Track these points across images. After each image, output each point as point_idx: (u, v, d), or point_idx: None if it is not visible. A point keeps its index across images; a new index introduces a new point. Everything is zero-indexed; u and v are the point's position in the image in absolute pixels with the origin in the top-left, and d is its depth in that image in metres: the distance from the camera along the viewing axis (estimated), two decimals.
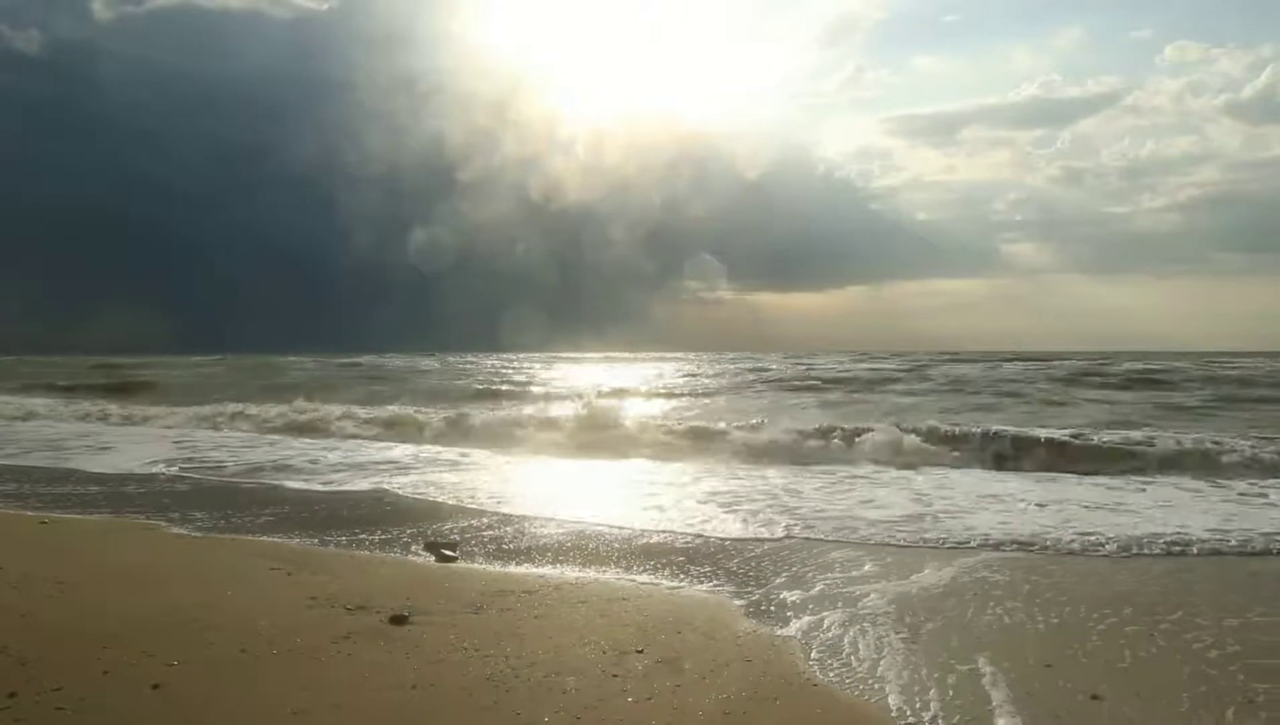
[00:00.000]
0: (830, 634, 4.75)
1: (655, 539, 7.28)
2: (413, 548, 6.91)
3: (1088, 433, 13.29)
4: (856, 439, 13.01)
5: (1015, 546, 6.94)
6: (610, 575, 6.07)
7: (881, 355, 66.22)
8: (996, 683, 4.02)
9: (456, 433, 15.92)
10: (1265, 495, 9.36)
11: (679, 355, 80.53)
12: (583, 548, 6.92)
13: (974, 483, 10.27)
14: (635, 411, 20.54)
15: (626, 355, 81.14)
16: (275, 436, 16.20)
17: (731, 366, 47.90)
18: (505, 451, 13.85)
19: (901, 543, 7.12)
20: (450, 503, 9.05)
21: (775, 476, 10.80)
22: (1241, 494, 9.42)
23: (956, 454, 12.25)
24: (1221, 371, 32.63)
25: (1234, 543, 6.99)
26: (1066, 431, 13.36)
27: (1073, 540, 7.06)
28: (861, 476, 10.75)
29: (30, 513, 8.46)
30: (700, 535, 7.41)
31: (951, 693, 3.91)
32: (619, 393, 29.20)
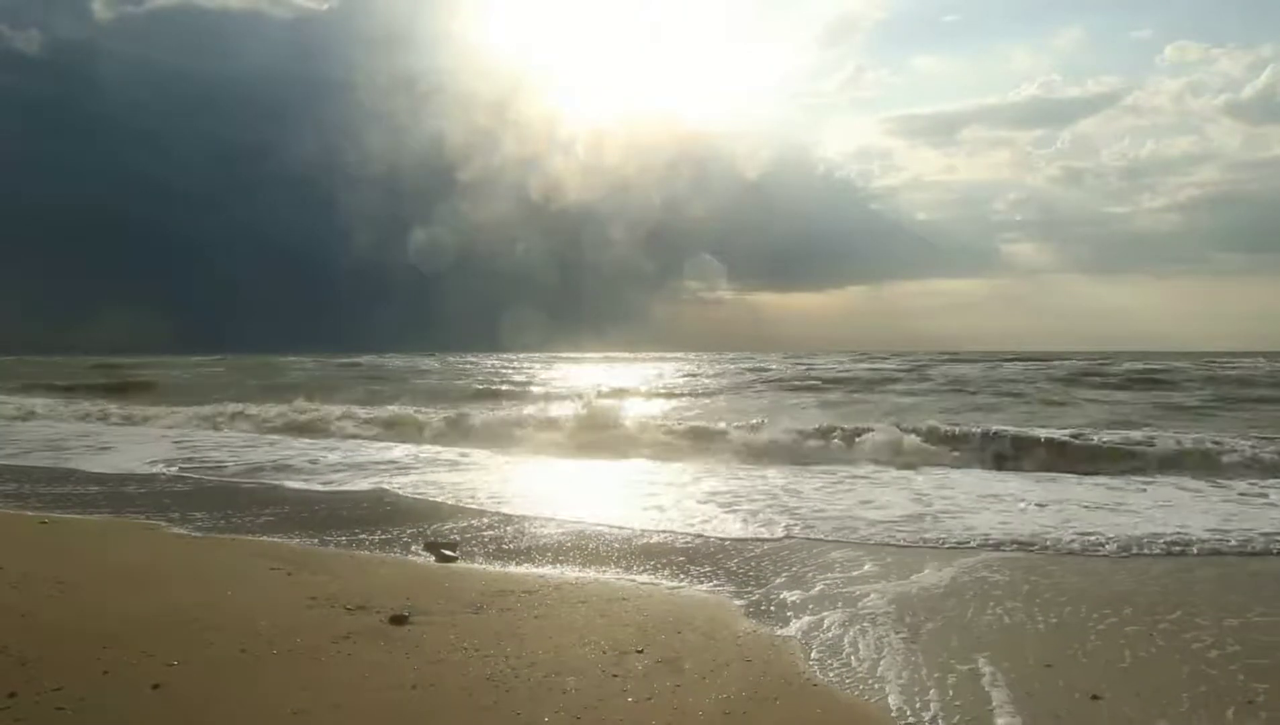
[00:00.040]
0: (830, 634, 4.75)
1: (655, 539, 7.28)
2: (413, 548, 6.91)
3: (1088, 433, 13.29)
4: (857, 439, 13.02)
5: (1015, 546, 6.94)
6: (610, 575, 6.07)
7: (881, 355, 66.22)
8: (996, 683, 4.02)
9: (456, 433, 15.92)
10: (1265, 495, 9.36)
11: (679, 355, 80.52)
12: (583, 548, 6.92)
13: (974, 483, 10.27)
14: (635, 411, 20.54)
15: (626, 355, 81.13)
16: (275, 436, 16.20)
17: (731, 366, 47.91)
18: (505, 451, 13.85)
19: (902, 543, 7.12)
20: (450, 503, 9.05)
21: (775, 477, 10.80)
22: (1242, 494, 9.42)
23: (957, 454, 12.25)
24: (1221, 371, 32.65)
25: (1234, 543, 6.99)
26: (1067, 432, 13.36)
27: (1073, 540, 7.06)
28: (861, 477, 10.75)
29: (30, 513, 8.45)
30: (700, 535, 7.41)
31: (951, 693, 3.91)
32: (619, 393, 29.20)
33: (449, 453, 13.70)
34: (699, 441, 13.69)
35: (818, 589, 5.68)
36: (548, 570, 6.23)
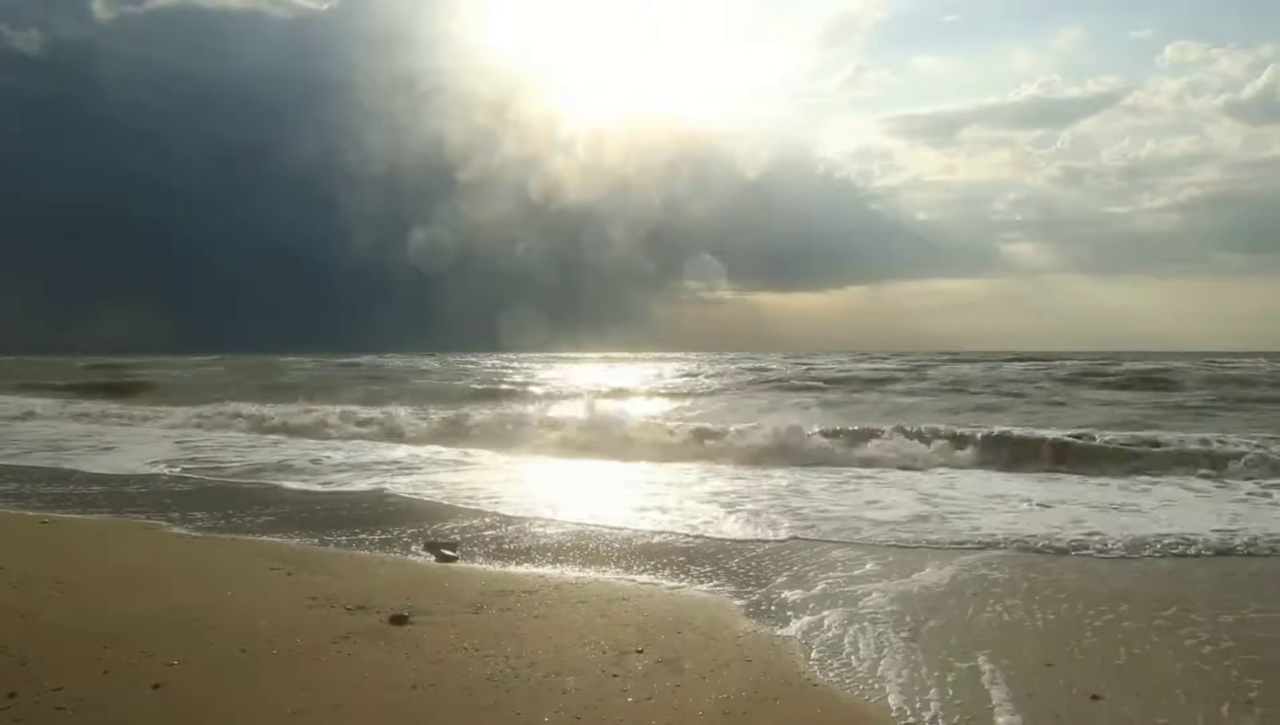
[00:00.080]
0: (830, 633, 4.74)
1: (655, 539, 7.28)
2: (413, 548, 6.91)
3: (1091, 433, 13.29)
4: (858, 440, 13.02)
5: (1018, 547, 6.93)
6: (610, 575, 6.07)
7: (881, 355, 66.22)
8: (996, 681, 4.02)
9: (457, 433, 15.92)
10: (1269, 495, 9.36)
11: (679, 355, 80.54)
12: (583, 548, 6.92)
13: (978, 483, 10.26)
14: (636, 411, 20.55)
15: (626, 355, 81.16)
16: (275, 437, 16.20)
17: (731, 366, 47.91)
18: (506, 451, 13.85)
19: (905, 543, 7.12)
20: (450, 503, 9.05)
21: (777, 477, 10.80)
22: (1249, 494, 9.41)
23: (960, 455, 12.24)
24: (1222, 371, 32.63)
25: (1239, 543, 6.97)
26: (1070, 432, 13.35)
27: (1076, 540, 7.05)
28: (865, 477, 10.75)
29: (30, 513, 8.46)
30: (701, 535, 7.41)
31: (951, 692, 3.91)
32: (619, 393, 29.21)
33: (449, 453, 13.69)
34: (700, 442, 13.69)
35: (818, 589, 5.68)
36: (548, 570, 6.22)
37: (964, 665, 4.24)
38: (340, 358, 63.44)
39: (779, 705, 3.76)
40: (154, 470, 11.52)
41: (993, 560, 6.46)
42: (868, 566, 6.29)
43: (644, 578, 5.99)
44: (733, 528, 7.72)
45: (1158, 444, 12.26)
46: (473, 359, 67.33)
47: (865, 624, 4.90)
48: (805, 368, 43.18)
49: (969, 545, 6.97)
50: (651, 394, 29.13)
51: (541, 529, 7.65)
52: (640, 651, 4.35)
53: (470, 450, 14.04)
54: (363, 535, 7.40)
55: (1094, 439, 12.74)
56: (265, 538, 7.30)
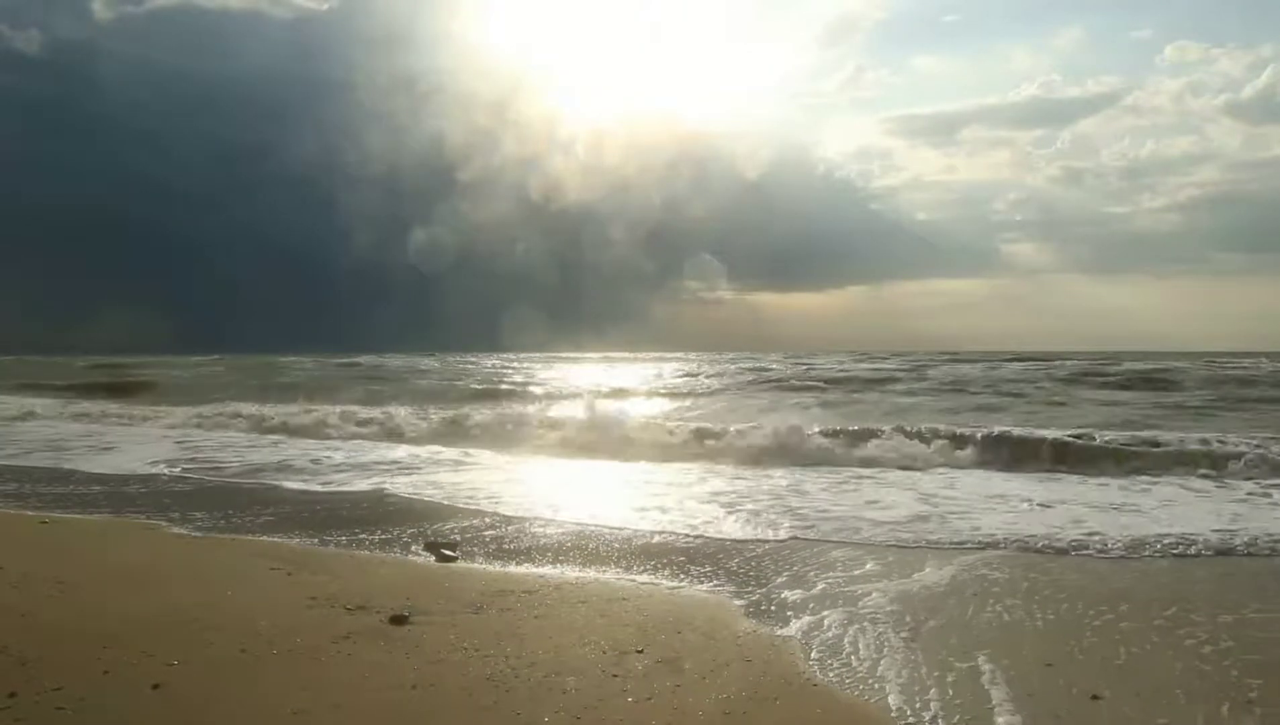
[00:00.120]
0: (830, 633, 4.74)
1: (655, 539, 7.28)
2: (413, 548, 6.91)
3: (1092, 433, 13.28)
4: (859, 440, 13.02)
5: (1018, 547, 6.93)
6: (610, 575, 6.07)
7: (882, 355, 66.23)
8: (996, 681, 4.02)
9: (457, 433, 15.92)
10: (1270, 495, 9.36)
11: (679, 355, 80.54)
12: (583, 548, 6.92)
13: (978, 483, 10.25)
14: (636, 412, 20.55)
15: (626, 355, 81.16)
16: (275, 437, 16.20)
17: (731, 366, 47.90)
18: (506, 451, 13.85)
19: (905, 543, 7.12)
20: (450, 503, 9.05)
21: (777, 477, 10.80)
22: (1249, 494, 9.41)
23: (960, 455, 12.23)
24: (1223, 371, 32.63)
25: (1239, 544, 6.97)
26: (1070, 432, 13.35)
27: (1076, 540, 7.04)
28: (865, 477, 10.75)
29: (30, 513, 8.46)
30: (701, 535, 7.41)
31: (951, 692, 3.91)
32: (619, 393, 29.21)
33: (449, 453, 13.69)
34: (700, 442, 13.69)
35: (818, 589, 5.68)
36: (548, 570, 6.22)
37: (964, 665, 4.24)
38: (340, 358, 63.43)
39: (779, 705, 3.76)
40: (154, 470, 11.52)
41: (993, 560, 6.46)
42: (868, 566, 6.29)
43: (644, 578, 5.99)
44: (733, 528, 7.72)
45: (1158, 444, 12.26)
46: (473, 359, 67.33)
47: (865, 624, 4.90)
48: (805, 368, 43.17)
49: (969, 545, 6.97)
50: (651, 394, 29.13)
51: (541, 529, 7.65)
52: (640, 651, 4.35)
53: (470, 450, 14.03)
54: (363, 535, 7.40)
55: (1094, 439, 12.73)
56: (265, 538, 7.30)
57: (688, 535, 7.40)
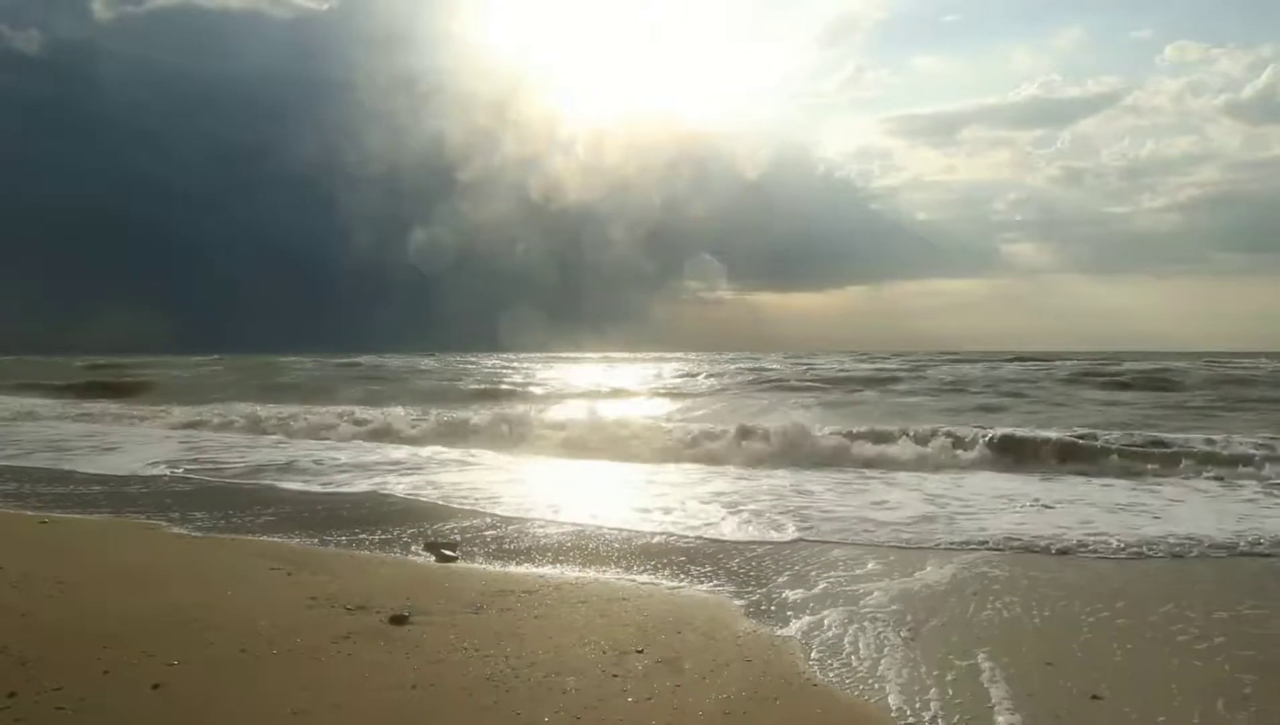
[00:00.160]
0: (831, 633, 4.74)
1: (656, 539, 7.27)
2: (413, 548, 6.91)
3: (1096, 433, 13.28)
4: (861, 440, 12.99)
5: (1025, 547, 6.92)
6: (610, 575, 6.07)
7: (882, 355, 66.24)
8: (996, 680, 4.02)
9: (457, 433, 15.91)
10: (1274, 495, 9.35)
11: (679, 355, 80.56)
12: (583, 548, 6.91)
13: (984, 484, 10.23)
14: (636, 412, 20.54)
15: (626, 355, 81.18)
16: (275, 437, 16.20)
17: (732, 366, 47.91)
18: (506, 452, 13.85)
19: (910, 544, 7.11)
20: (450, 503, 9.04)
21: (779, 477, 10.80)
22: (1255, 494, 9.40)
23: (965, 455, 12.19)
24: (1224, 371, 32.62)
25: (1245, 544, 6.95)
26: (1074, 432, 13.35)
27: (1083, 541, 7.02)
28: (869, 477, 10.75)
29: (30, 513, 8.46)
30: (701, 536, 7.40)
31: (951, 691, 3.90)
32: (619, 393, 29.23)
33: (450, 453, 13.69)
34: (701, 442, 13.68)
35: (819, 588, 5.67)
36: (548, 570, 6.22)
37: (964, 664, 4.24)
38: (340, 358, 63.43)
39: (779, 705, 3.76)
40: (154, 471, 11.52)
41: (997, 560, 6.46)
42: (869, 566, 6.29)
43: (644, 578, 5.99)
44: (733, 528, 7.72)
45: (1163, 445, 12.26)
46: (472, 359, 67.34)
47: (865, 623, 4.90)
48: (805, 368, 43.18)
49: (976, 546, 6.96)
50: (652, 394, 29.12)
51: (541, 529, 7.65)
52: (640, 651, 4.35)
53: (470, 451, 14.03)
54: (363, 535, 7.40)
55: (1098, 440, 12.73)
56: (265, 538, 7.30)
57: (688, 535, 7.40)
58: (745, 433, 13.57)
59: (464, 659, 4.21)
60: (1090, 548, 6.82)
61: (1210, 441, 12.26)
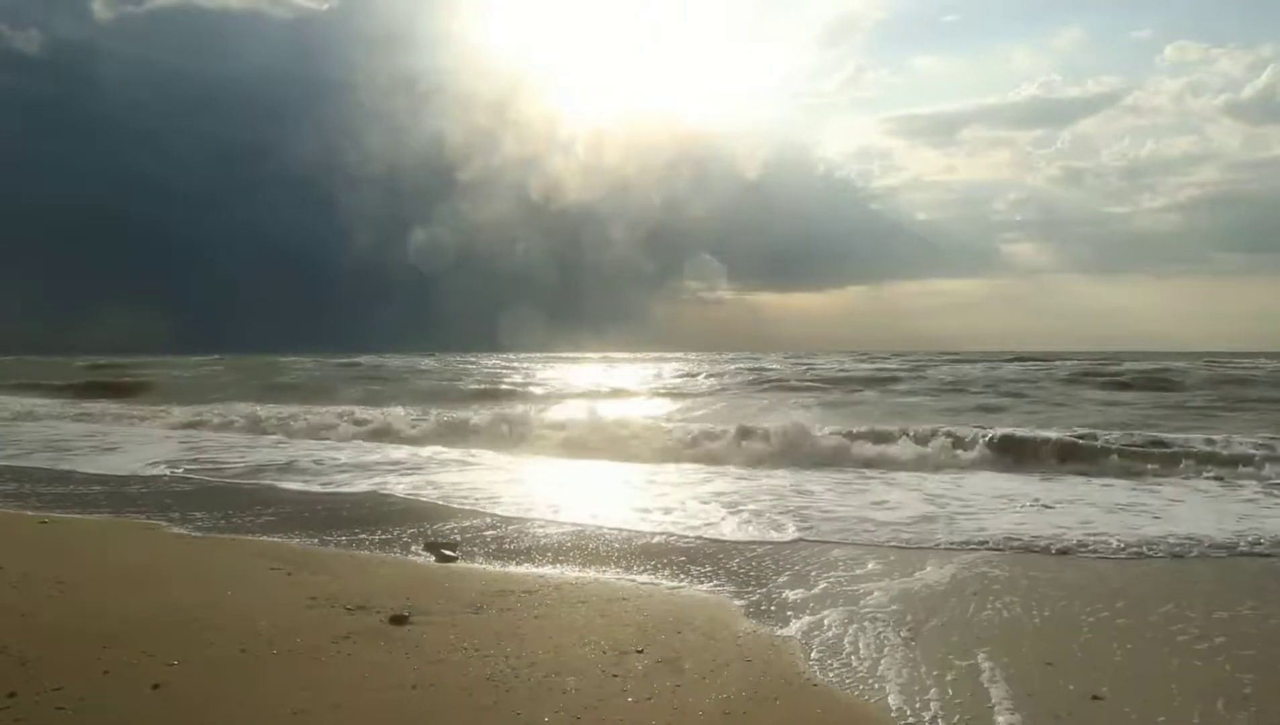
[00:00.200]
0: (831, 633, 4.74)
1: (656, 539, 7.27)
2: (413, 548, 6.91)
3: (1097, 433, 13.27)
4: (861, 440, 12.99)
5: (1025, 547, 6.91)
6: (610, 575, 6.07)
7: (882, 355, 66.25)
8: (996, 680, 4.02)
9: (457, 433, 15.91)
10: (1274, 495, 9.34)
11: (679, 355, 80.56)
12: (583, 548, 6.91)
13: (984, 484, 10.23)
14: (636, 412, 20.54)
15: (626, 355, 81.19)
16: (276, 437, 16.20)
17: (731, 366, 47.90)
18: (505, 452, 13.85)
19: (910, 544, 7.11)
20: (450, 503, 9.04)
21: (779, 477, 10.80)
22: (1255, 495, 9.39)
23: (965, 455, 12.18)
24: (1224, 372, 32.62)
25: (1245, 544, 6.94)
26: (1075, 433, 13.34)
27: (1083, 541, 7.02)
28: (869, 477, 10.74)
29: (30, 513, 8.45)
30: (702, 536, 7.40)
31: (951, 691, 3.90)
32: (619, 393, 29.23)
33: (450, 453, 13.69)
34: (701, 442, 13.67)
35: (819, 588, 5.67)
36: (548, 570, 6.22)
37: (964, 664, 4.24)
38: (340, 358, 63.43)
39: (779, 705, 3.76)
40: (155, 471, 11.52)
41: (997, 560, 6.46)
42: (869, 566, 6.29)
43: (644, 578, 5.99)
44: (733, 528, 7.72)
45: (1163, 445, 12.25)
46: (472, 359, 67.33)
47: (865, 623, 4.89)
48: (805, 368, 43.18)
49: (976, 546, 6.96)
50: (652, 394, 29.12)
51: (541, 529, 7.65)
52: (640, 651, 4.35)
53: (471, 451, 14.03)
54: (363, 535, 7.40)
55: (1098, 440, 12.73)
56: (265, 538, 7.30)
57: (688, 535, 7.40)
58: (745, 433, 13.57)
59: (464, 659, 4.21)
60: (1090, 548, 6.82)
61: (1210, 441, 12.26)
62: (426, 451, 13.86)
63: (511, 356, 74.56)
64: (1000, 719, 3.63)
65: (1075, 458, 11.82)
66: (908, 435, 13.03)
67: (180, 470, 11.54)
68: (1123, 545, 6.85)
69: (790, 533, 7.45)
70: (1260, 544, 6.93)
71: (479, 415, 17.36)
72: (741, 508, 8.60)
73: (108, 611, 4.81)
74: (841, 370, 39.47)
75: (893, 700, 3.83)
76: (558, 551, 6.80)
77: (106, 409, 22.22)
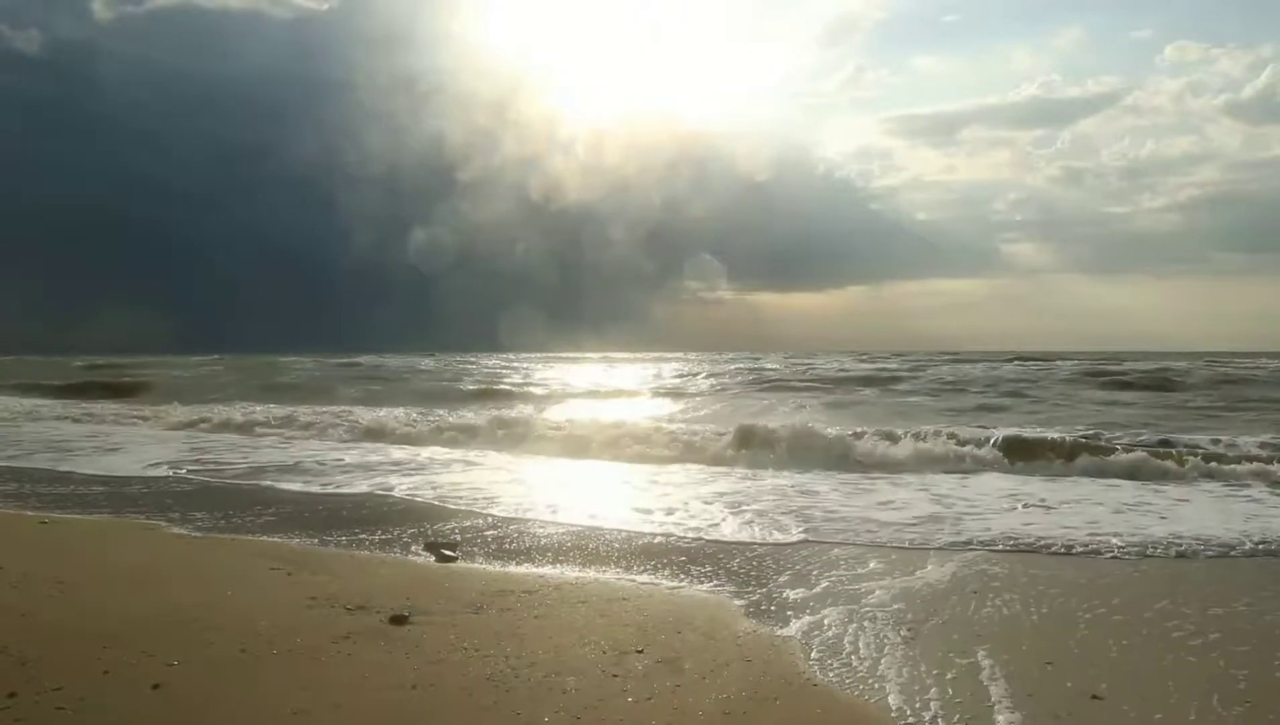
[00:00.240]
0: (831, 633, 4.74)
1: (656, 539, 7.27)
2: (413, 548, 6.91)
3: (1101, 434, 13.26)
4: (863, 440, 12.96)
5: (1026, 547, 6.90)
6: (610, 575, 6.06)
7: (882, 355, 66.24)
8: (996, 679, 4.01)
9: (457, 434, 15.90)
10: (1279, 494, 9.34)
11: (679, 355, 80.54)
12: (583, 548, 6.91)
13: (990, 484, 10.20)
14: (637, 412, 20.54)
15: (626, 355, 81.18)
16: (276, 437, 16.20)
17: (731, 367, 47.90)
18: (506, 452, 13.84)
19: (914, 544, 7.10)
20: (451, 503, 9.04)
21: (783, 478, 10.79)
22: (1261, 495, 9.38)
23: (970, 456, 12.14)
24: (1225, 372, 32.61)
25: (1250, 544, 6.92)
26: (1079, 433, 13.32)
27: (1087, 541, 7.00)
28: (874, 478, 10.70)
29: (30, 513, 8.45)
30: (703, 536, 7.40)
31: (951, 690, 3.90)
32: (620, 393, 29.22)
33: (450, 453, 13.69)
34: (702, 442, 13.66)
35: (819, 588, 5.67)
36: (548, 570, 6.22)
37: (964, 663, 4.24)
38: (340, 358, 63.45)
39: (779, 705, 3.76)
40: (156, 472, 11.52)
41: (999, 559, 6.46)
42: (871, 565, 6.28)
43: (644, 578, 5.99)
44: (735, 528, 7.71)
45: (1168, 444, 12.23)
46: (472, 359, 67.33)
47: (866, 623, 4.89)
48: (806, 368, 43.18)
49: (973, 545, 6.95)
50: (652, 394, 29.12)
51: (541, 529, 7.65)
52: (640, 651, 4.35)
53: (471, 451, 14.03)
54: (363, 535, 7.39)
55: (1103, 440, 12.71)
56: (265, 538, 7.30)
57: (689, 536, 7.39)
58: (748, 433, 13.54)
59: (464, 659, 4.21)
60: (1093, 547, 6.81)
61: (1215, 441, 12.25)
62: (426, 452, 13.85)
63: (511, 356, 74.55)
64: (1000, 718, 3.63)
65: (1081, 458, 11.77)
66: (912, 436, 13.00)
67: (183, 471, 11.54)
68: (1132, 546, 6.82)
69: (793, 533, 7.45)
70: (1265, 544, 6.91)
71: (479, 416, 17.36)
72: (744, 508, 8.60)
73: (108, 611, 4.81)
74: (842, 370, 39.46)
75: (893, 700, 3.82)
76: (558, 552, 6.79)
77: (108, 409, 22.22)
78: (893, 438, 13.05)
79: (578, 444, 14.11)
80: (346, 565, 6.27)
